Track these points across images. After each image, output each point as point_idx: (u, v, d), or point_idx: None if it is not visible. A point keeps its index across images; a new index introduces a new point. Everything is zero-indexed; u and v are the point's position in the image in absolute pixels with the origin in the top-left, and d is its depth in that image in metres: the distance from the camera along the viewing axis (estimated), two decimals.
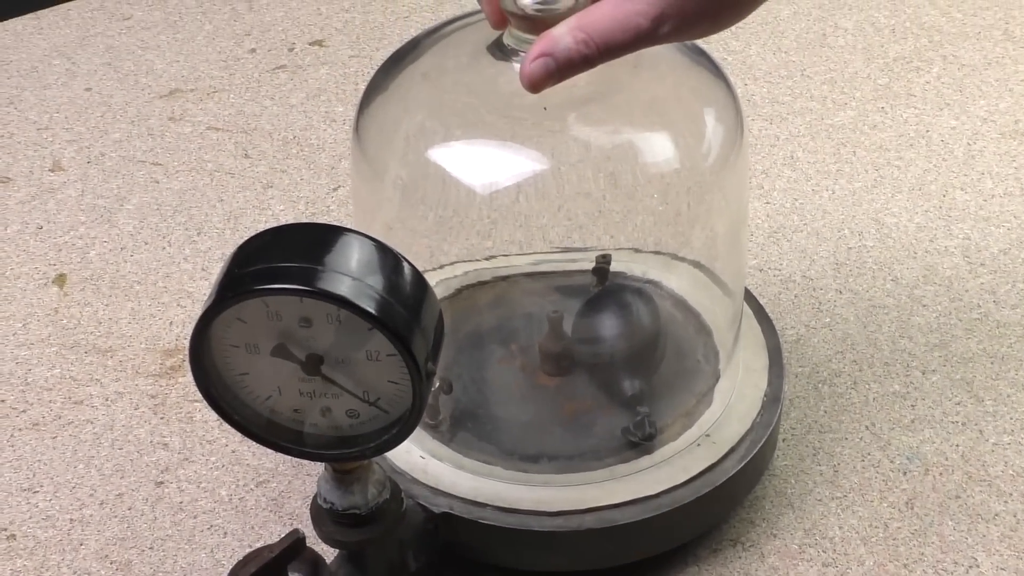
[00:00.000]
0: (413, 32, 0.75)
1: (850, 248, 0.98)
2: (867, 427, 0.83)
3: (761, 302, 0.84)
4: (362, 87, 0.74)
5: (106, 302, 0.96)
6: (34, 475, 0.83)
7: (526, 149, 0.70)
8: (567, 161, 0.70)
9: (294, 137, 1.13)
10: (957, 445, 0.82)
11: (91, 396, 0.88)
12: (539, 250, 0.80)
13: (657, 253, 0.79)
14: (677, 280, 0.81)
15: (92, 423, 0.86)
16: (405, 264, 0.59)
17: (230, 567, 0.66)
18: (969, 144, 1.08)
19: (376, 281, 0.57)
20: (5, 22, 1.32)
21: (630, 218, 0.74)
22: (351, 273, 0.57)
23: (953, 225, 0.99)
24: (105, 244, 1.02)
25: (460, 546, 0.72)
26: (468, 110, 0.71)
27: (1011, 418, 0.83)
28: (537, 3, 0.64)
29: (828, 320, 0.91)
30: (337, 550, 0.68)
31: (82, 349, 0.92)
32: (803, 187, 1.04)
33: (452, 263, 0.80)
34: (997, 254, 0.96)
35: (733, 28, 1.23)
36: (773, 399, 0.77)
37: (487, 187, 0.69)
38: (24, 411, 0.87)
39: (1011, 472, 0.80)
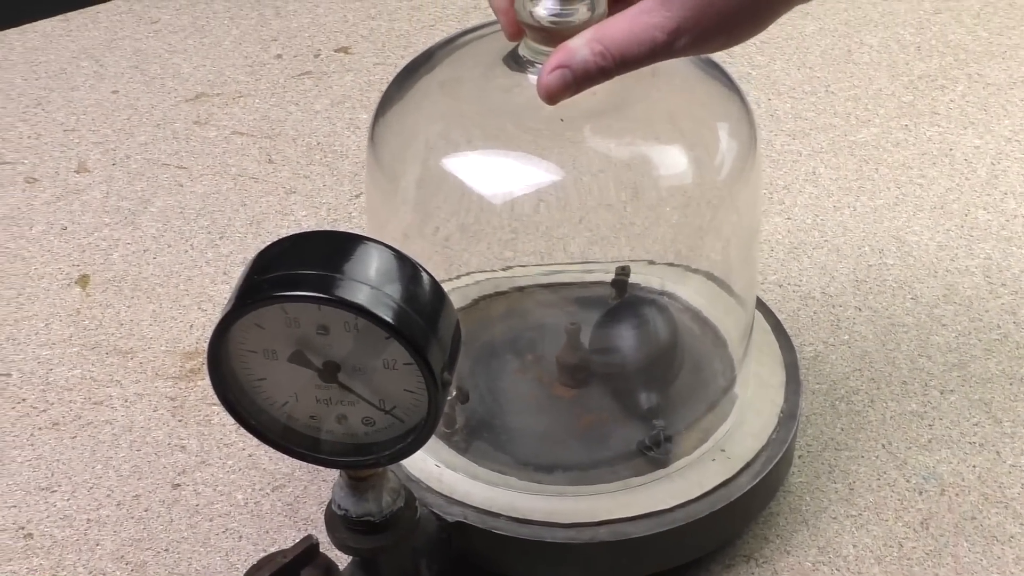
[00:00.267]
0: (441, 39, 0.75)
1: (870, 265, 0.98)
2: (883, 446, 0.83)
3: (779, 318, 0.84)
4: None
5: (128, 303, 0.97)
6: (52, 474, 0.83)
7: (541, 160, 0.70)
8: (582, 172, 0.70)
9: (317, 143, 1.14)
10: (974, 466, 0.82)
11: (111, 397, 0.89)
12: (555, 261, 0.80)
13: (671, 265, 0.79)
14: (691, 292, 0.81)
15: (111, 424, 0.87)
16: (423, 273, 0.59)
17: (244, 571, 0.66)
18: (993, 164, 1.08)
19: (394, 290, 0.57)
20: (34, 23, 1.33)
21: (644, 230, 0.74)
22: (369, 282, 0.57)
23: (975, 245, 0.99)
24: (128, 246, 1.02)
25: (473, 555, 0.72)
26: (483, 120, 0.71)
27: None
28: (553, 15, 0.64)
29: (847, 337, 0.91)
30: (350, 557, 0.68)
31: (103, 350, 0.92)
32: (824, 203, 1.04)
33: (468, 273, 0.80)
34: (1019, 274, 0.96)
35: (758, 43, 1.22)
36: (789, 415, 0.77)
37: (502, 197, 0.70)
38: (44, 410, 0.88)
39: None
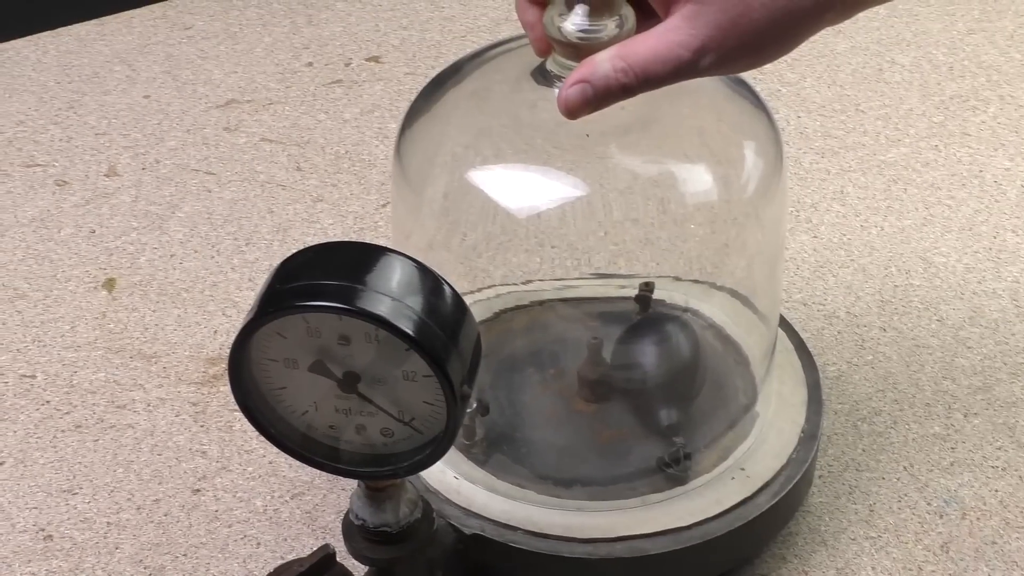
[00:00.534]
0: (469, 52, 0.75)
1: (896, 286, 0.97)
2: (905, 468, 0.83)
3: (803, 336, 0.84)
4: None
5: (153, 308, 0.97)
6: (74, 477, 0.84)
7: (566, 175, 0.70)
8: (607, 188, 0.70)
9: (346, 152, 1.14)
10: (996, 490, 0.81)
11: (134, 401, 0.89)
12: (578, 276, 0.80)
13: (696, 282, 0.79)
14: (714, 309, 0.81)
15: (133, 428, 0.87)
16: (445, 286, 0.59)
17: None
18: (1023, 186, 1.08)
19: (415, 302, 0.58)
20: (69, 27, 1.34)
21: (670, 245, 0.74)
22: (391, 293, 0.57)
23: (1002, 268, 0.99)
24: (155, 250, 1.03)
25: (489, 569, 0.72)
26: (509, 134, 0.71)
27: None
28: (581, 31, 0.64)
29: (870, 358, 0.91)
30: (367, 566, 0.68)
31: (127, 354, 0.93)
32: (852, 222, 1.04)
33: (491, 286, 0.80)
34: None
35: (789, 60, 1.22)
36: (810, 435, 0.77)
37: (527, 211, 0.70)
38: (68, 413, 0.88)
39: None
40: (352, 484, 0.66)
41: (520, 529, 0.71)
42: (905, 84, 1.22)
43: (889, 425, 0.86)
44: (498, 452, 0.75)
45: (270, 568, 0.72)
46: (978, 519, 0.79)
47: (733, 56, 0.57)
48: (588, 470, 0.75)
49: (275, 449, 0.62)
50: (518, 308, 0.82)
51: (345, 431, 0.62)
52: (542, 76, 0.69)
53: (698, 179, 0.72)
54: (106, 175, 1.12)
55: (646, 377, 0.79)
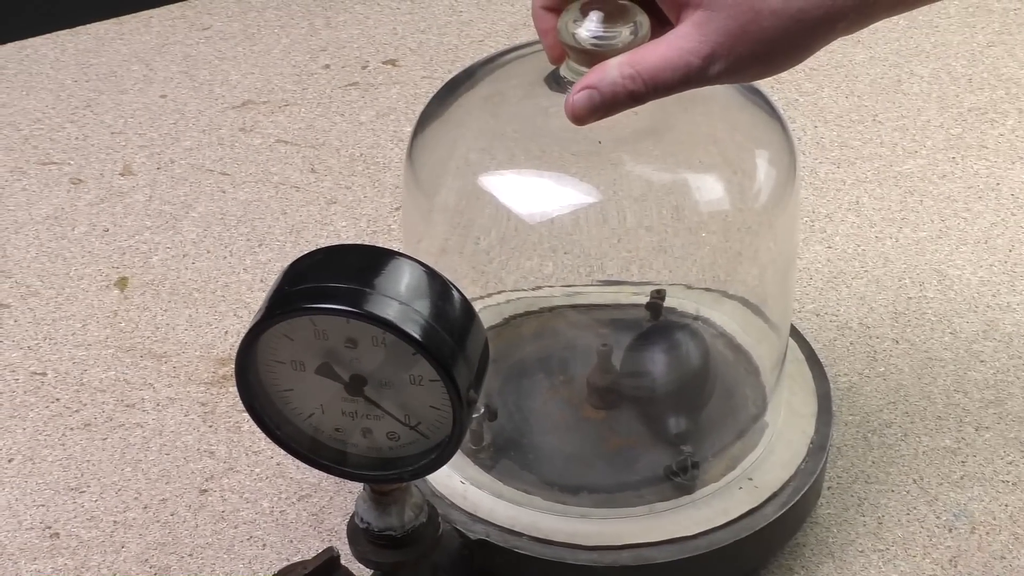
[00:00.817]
0: (484, 57, 0.75)
1: (910, 298, 0.97)
2: (915, 481, 0.82)
3: (815, 347, 0.83)
4: None
5: (165, 307, 0.97)
6: (82, 475, 0.84)
7: (578, 181, 0.70)
8: (620, 195, 0.70)
9: (361, 155, 1.14)
10: (1006, 505, 0.81)
11: (143, 400, 0.89)
12: (588, 282, 0.80)
13: (708, 290, 0.79)
14: (725, 317, 0.80)
15: (142, 427, 0.87)
16: (453, 291, 0.59)
17: None
18: None
19: (423, 306, 0.57)
20: (88, 26, 1.34)
21: (683, 253, 0.73)
22: (399, 297, 0.57)
23: (1017, 281, 0.98)
24: (168, 250, 1.03)
25: (495, 574, 0.72)
26: (522, 140, 0.71)
27: None
28: (595, 37, 0.64)
29: (882, 369, 0.90)
30: (371, 570, 0.68)
31: (138, 353, 0.93)
32: (866, 233, 1.03)
33: (502, 291, 0.80)
34: None
35: (806, 69, 1.22)
36: (819, 446, 0.76)
37: (539, 217, 0.70)
38: (77, 411, 0.89)
39: None
40: (360, 486, 0.66)
41: (526, 535, 0.71)
42: (923, 95, 1.21)
43: (900, 437, 0.85)
44: (505, 458, 0.75)
45: (275, 570, 0.72)
46: (987, 534, 0.79)
47: (743, 64, 0.57)
48: (595, 477, 0.75)
49: (283, 450, 0.62)
50: (528, 314, 0.82)
51: (351, 434, 0.62)
52: (556, 82, 0.68)
53: (711, 187, 0.72)
54: (121, 174, 1.12)
55: (655, 385, 0.79)
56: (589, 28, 0.64)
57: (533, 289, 0.81)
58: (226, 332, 0.95)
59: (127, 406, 0.89)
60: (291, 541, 0.79)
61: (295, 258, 0.59)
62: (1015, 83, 1.23)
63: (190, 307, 0.97)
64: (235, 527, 0.80)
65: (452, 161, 0.72)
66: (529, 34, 0.70)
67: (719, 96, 0.72)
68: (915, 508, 0.80)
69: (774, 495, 0.73)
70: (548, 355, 0.82)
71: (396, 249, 0.60)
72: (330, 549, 0.66)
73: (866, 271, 1.00)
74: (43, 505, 0.82)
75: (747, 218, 0.72)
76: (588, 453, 0.77)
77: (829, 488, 0.81)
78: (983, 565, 0.77)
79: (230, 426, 0.87)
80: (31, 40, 1.32)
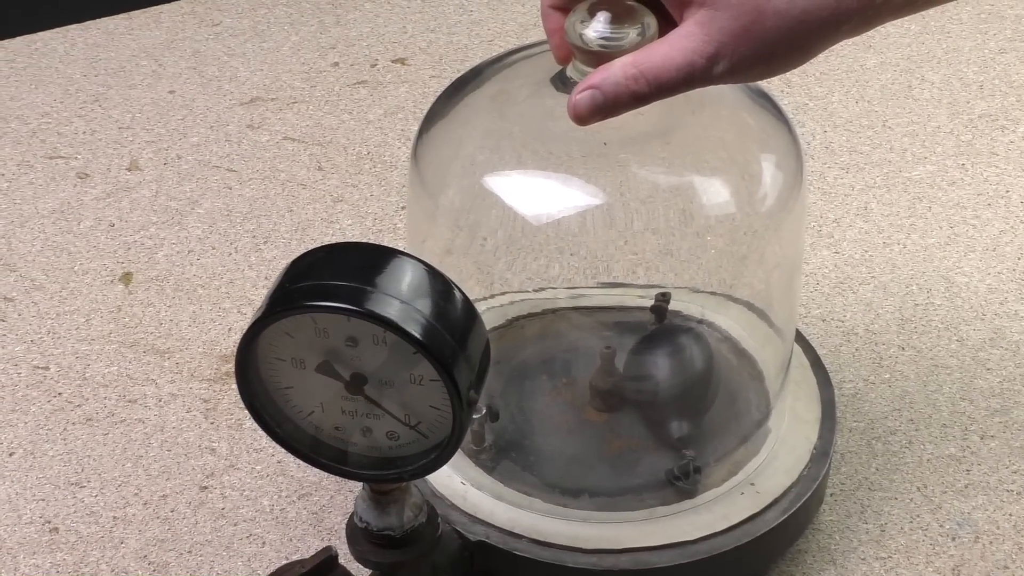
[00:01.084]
0: (491, 56, 0.75)
1: (917, 305, 0.96)
2: (919, 488, 0.82)
3: (820, 353, 0.83)
4: None
5: (169, 303, 0.97)
6: (82, 470, 0.84)
7: (584, 183, 0.70)
8: (625, 197, 0.70)
9: (368, 153, 1.14)
10: (1010, 514, 0.80)
11: (145, 396, 0.89)
12: (592, 284, 0.79)
13: (713, 293, 0.79)
14: (730, 321, 0.80)
15: (143, 423, 0.87)
16: (455, 291, 0.59)
17: None
18: None
19: (424, 306, 0.57)
20: (98, 20, 1.34)
21: (686, 257, 0.73)
22: (400, 296, 0.57)
23: None
24: (173, 246, 1.03)
25: None
26: (527, 140, 0.71)
27: None
28: (602, 38, 0.63)
29: (888, 376, 0.90)
30: (370, 570, 0.68)
31: (141, 348, 0.93)
32: (874, 239, 1.03)
33: (506, 292, 0.79)
34: None
35: (817, 73, 1.21)
36: (822, 452, 0.76)
37: (543, 218, 0.69)
38: (79, 406, 0.88)
39: None
40: (359, 486, 0.66)
41: (525, 537, 0.71)
42: (934, 101, 1.21)
43: (904, 445, 0.85)
44: (506, 459, 0.75)
45: (274, 568, 0.72)
46: (991, 543, 0.78)
47: (746, 64, 0.56)
48: (596, 480, 0.74)
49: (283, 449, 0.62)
50: (533, 315, 0.82)
51: (351, 433, 0.61)
52: (562, 83, 0.68)
53: (717, 191, 0.72)
54: (128, 169, 1.12)
55: (658, 388, 0.78)
56: (596, 29, 0.64)
57: (537, 290, 0.80)
58: (230, 329, 0.95)
59: (129, 401, 0.89)
60: (291, 540, 0.79)
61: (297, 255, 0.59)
62: None
63: (194, 303, 0.97)
64: (235, 524, 0.80)
65: (457, 161, 0.72)
66: (540, 34, 0.69)
67: (727, 99, 0.71)
68: (918, 516, 0.80)
69: (776, 501, 0.73)
70: (551, 357, 0.82)
71: (401, 248, 0.59)
72: (328, 548, 0.65)
73: (873, 277, 0.99)
74: (43, 499, 0.82)
75: (753, 222, 0.72)
76: (590, 456, 0.76)
77: (832, 495, 0.81)
78: (986, 575, 0.76)
79: (232, 423, 0.87)
80: (40, 34, 1.32)
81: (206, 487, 0.82)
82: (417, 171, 0.73)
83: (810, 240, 1.02)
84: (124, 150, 1.15)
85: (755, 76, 0.57)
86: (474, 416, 0.73)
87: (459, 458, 0.74)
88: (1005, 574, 0.76)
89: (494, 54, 0.76)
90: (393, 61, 1.28)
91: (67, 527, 0.80)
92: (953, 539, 0.79)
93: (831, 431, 0.77)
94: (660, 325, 0.79)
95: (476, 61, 1.20)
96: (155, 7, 1.36)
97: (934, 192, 1.09)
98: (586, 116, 0.59)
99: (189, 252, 1.02)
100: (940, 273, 0.99)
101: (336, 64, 1.27)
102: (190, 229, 1.05)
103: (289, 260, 0.60)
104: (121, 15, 1.35)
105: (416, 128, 0.96)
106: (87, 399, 0.89)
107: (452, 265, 0.71)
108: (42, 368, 0.91)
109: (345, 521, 0.79)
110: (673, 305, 0.79)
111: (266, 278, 0.99)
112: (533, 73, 0.71)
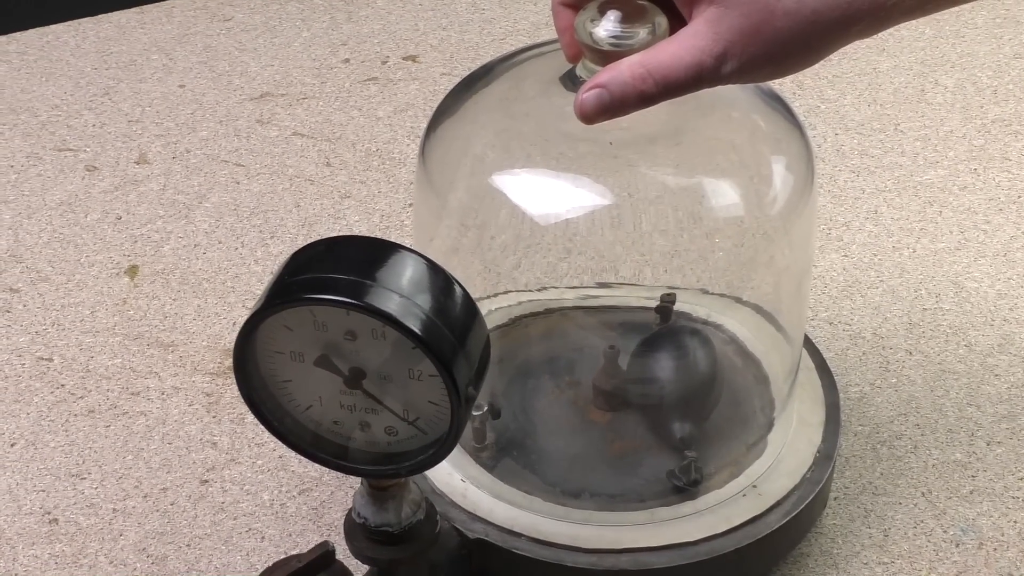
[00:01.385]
0: (501, 54, 0.75)
1: (925, 309, 0.96)
2: (923, 494, 0.81)
3: (826, 356, 0.82)
4: None
5: (174, 297, 0.97)
6: (83, 461, 0.83)
7: (592, 183, 0.69)
8: (634, 198, 0.69)
9: (376, 150, 1.14)
10: (1015, 521, 0.79)
11: (148, 388, 0.89)
12: (597, 284, 0.79)
13: (721, 295, 0.78)
14: (737, 324, 0.80)
15: (146, 415, 0.87)
16: (456, 287, 0.59)
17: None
18: None
19: (425, 301, 0.57)
20: (110, 14, 1.34)
21: (694, 259, 0.73)
22: (400, 291, 0.56)
23: None
24: (180, 239, 1.03)
25: (492, 574, 0.71)
26: (535, 139, 0.70)
27: None
28: (613, 37, 0.63)
29: (894, 380, 0.89)
30: (367, 566, 0.68)
31: (145, 341, 0.93)
32: (884, 243, 1.02)
33: (510, 291, 0.79)
34: None
35: (829, 76, 1.21)
36: (826, 456, 0.75)
37: (550, 217, 0.69)
38: (82, 397, 0.88)
39: None
40: (359, 482, 0.65)
41: (524, 536, 0.70)
42: (947, 105, 1.20)
43: (909, 449, 0.84)
44: (507, 457, 0.75)
45: (273, 562, 0.71)
46: (995, 550, 0.78)
47: (755, 64, 0.56)
48: (597, 480, 0.74)
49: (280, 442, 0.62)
50: (537, 314, 0.81)
51: (349, 428, 0.61)
52: (571, 82, 0.68)
53: (726, 192, 0.71)
54: (136, 162, 1.12)
55: (661, 389, 0.78)
56: (606, 28, 0.63)
57: (543, 289, 0.80)
58: (234, 323, 0.94)
59: (132, 394, 0.88)
60: (290, 535, 0.78)
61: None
62: None
63: (199, 297, 0.97)
64: (234, 518, 0.80)
65: (465, 159, 0.72)
66: (552, 33, 0.69)
67: (738, 101, 0.71)
68: (922, 521, 0.79)
69: (778, 503, 0.73)
70: (554, 356, 0.81)
71: (406, 244, 0.59)
72: (325, 543, 0.65)
73: (882, 281, 0.99)
74: (43, 490, 0.82)
75: (762, 224, 0.71)
76: (591, 456, 0.76)
77: (835, 498, 0.80)
78: None
79: (234, 417, 0.86)
80: (52, 27, 1.32)
81: (206, 481, 0.82)
82: (425, 168, 0.72)
83: (819, 243, 1.02)
84: (133, 143, 1.15)
85: (764, 76, 0.57)
86: (474, 413, 0.73)
87: (459, 455, 0.74)
88: None
89: (505, 52, 0.75)
90: (404, 58, 1.28)
91: (67, 518, 0.80)
92: (957, 545, 0.78)
93: (835, 434, 0.77)
94: (664, 326, 0.79)
95: (487, 59, 1.20)
96: (167, 1, 1.37)
97: (945, 196, 1.08)
98: (592, 115, 0.58)
99: (196, 246, 1.02)
100: (949, 278, 0.99)
101: (347, 60, 1.27)
102: (197, 223, 1.05)
103: None
104: (133, 9, 1.35)
105: (425, 125, 0.96)
106: (90, 391, 0.89)
107: (459, 263, 0.70)
108: (46, 359, 0.91)
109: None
110: (680, 306, 0.79)
111: (272, 273, 0.98)
112: (543, 72, 0.70)
